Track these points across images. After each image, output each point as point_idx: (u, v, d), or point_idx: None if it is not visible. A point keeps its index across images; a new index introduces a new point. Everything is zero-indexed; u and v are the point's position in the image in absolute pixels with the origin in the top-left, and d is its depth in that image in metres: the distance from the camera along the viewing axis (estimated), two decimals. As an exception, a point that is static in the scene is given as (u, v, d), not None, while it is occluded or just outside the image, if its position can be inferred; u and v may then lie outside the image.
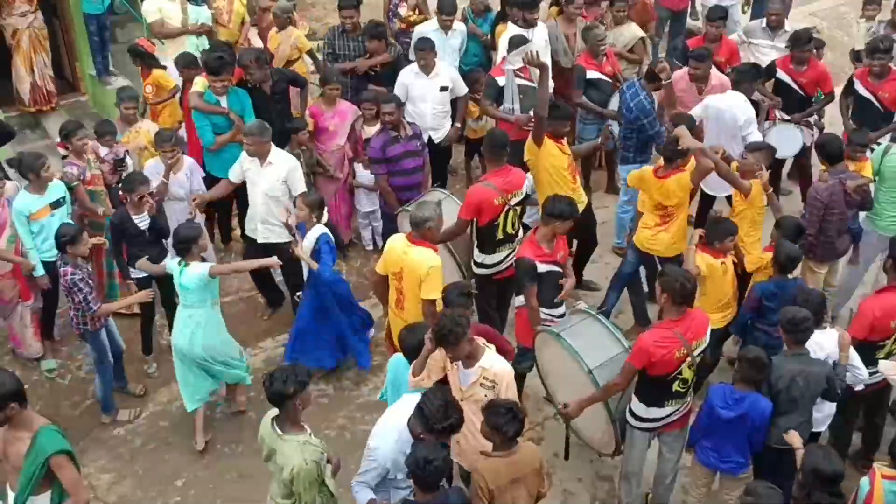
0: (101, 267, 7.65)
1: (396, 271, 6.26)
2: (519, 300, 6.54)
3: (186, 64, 8.48)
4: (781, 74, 8.72)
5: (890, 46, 8.34)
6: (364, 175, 8.48)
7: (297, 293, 7.38)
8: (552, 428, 6.89)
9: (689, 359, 5.44)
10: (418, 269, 6.08)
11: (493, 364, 5.26)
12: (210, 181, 7.94)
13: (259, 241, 7.51)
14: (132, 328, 7.49)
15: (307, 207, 6.84)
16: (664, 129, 7.92)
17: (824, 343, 5.70)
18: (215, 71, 7.88)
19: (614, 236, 8.66)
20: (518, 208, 6.86)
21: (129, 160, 7.85)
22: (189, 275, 6.33)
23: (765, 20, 9.42)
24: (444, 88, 8.57)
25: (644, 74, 8.41)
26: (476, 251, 6.94)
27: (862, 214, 7.41)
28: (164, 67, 8.89)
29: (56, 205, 7.05)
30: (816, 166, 7.68)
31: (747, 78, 8.18)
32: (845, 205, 7.06)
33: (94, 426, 7.01)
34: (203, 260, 6.56)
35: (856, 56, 9.38)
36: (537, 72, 7.41)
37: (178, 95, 8.71)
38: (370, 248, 8.87)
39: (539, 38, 8.75)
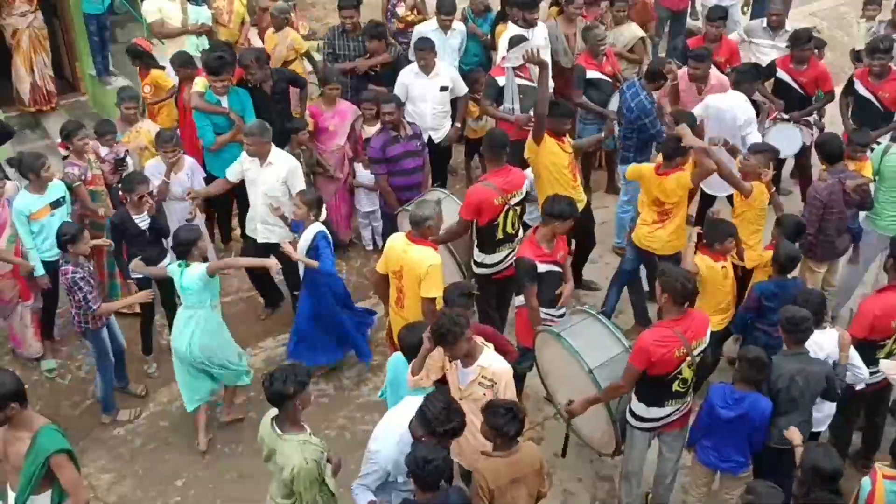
0: (102, 267, 7.65)
1: (396, 270, 6.27)
2: (519, 300, 6.55)
3: (182, 63, 8.49)
4: (781, 74, 8.73)
5: (890, 46, 8.34)
6: (364, 175, 8.48)
7: (296, 291, 7.39)
8: (552, 428, 6.89)
9: (688, 358, 5.44)
10: (418, 267, 6.09)
11: (492, 363, 5.26)
12: (211, 181, 7.93)
13: (259, 240, 7.52)
14: (132, 328, 7.49)
15: (305, 206, 6.84)
16: (664, 128, 7.92)
17: (824, 343, 5.70)
18: (215, 71, 7.88)
19: (614, 236, 8.66)
20: (518, 208, 6.87)
21: (129, 160, 7.85)
22: (189, 276, 6.33)
23: (765, 20, 9.42)
24: (444, 88, 8.57)
25: (644, 74, 8.41)
26: (476, 251, 6.94)
27: (862, 214, 7.41)
28: (163, 68, 8.89)
29: (56, 204, 7.05)
30: (817, 166, 7.68)
31: (748, 78, 8.18)
32: (844, 204, 7.06)
33: (94, 426, 7.01)
34: (204, 261, 6.57)
35: (856, 56, 9.38)
36: (537, 70, 7.41)
37: (174, 95, 8.71)
38: (370, 248, 8.88)
39: (539, 38, 8.75)
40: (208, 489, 6.53)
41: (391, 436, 4.92)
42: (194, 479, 6.60)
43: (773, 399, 5.43)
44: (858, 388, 5.89)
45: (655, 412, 5.64)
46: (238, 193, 7.84)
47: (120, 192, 7.25)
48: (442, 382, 5.47)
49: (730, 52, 9.15)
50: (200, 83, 8.04)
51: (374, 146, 7.87)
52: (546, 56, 8.12)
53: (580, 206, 7.12)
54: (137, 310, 7.30)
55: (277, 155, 7.36)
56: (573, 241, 7.94)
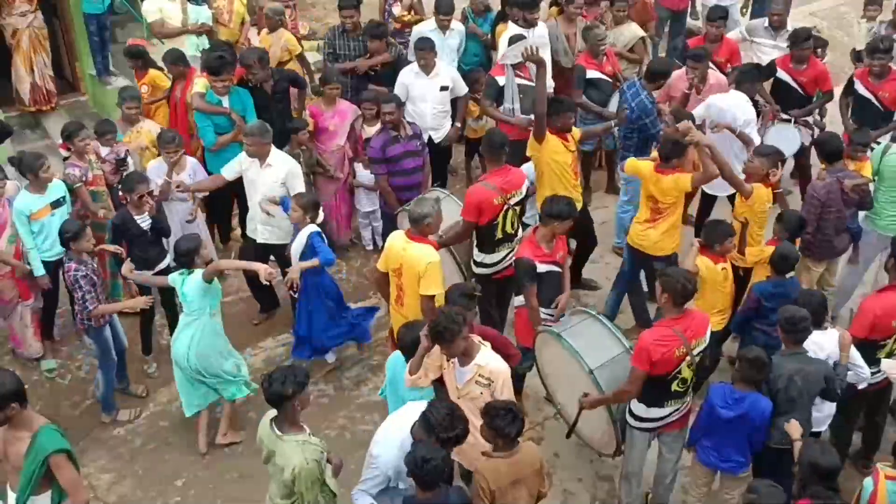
0: (104, 266, 7.64)
1: (396, 268, 6.29)
2: (519, 300, 6.55)
3: (174, 60, 8.50)
4: (781, 73, 8.73)
5: (890, 46, 8.35)
6: (364, 175, 8.48)
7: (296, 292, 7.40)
8: (552, 428, 6.89)
9: (688, 358, 5.44)
10: (417, 265, 6.11)
11: (489, 361, 5.27)
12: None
13: (259, 241, 7.53)
14: (132, 328, 7.49)
15: (301, 209, 6.84)
16: (663, 126, 7.91)
17: (825, 344, 5.69)
18: (216, 71, 7.88)
19: (614, 236, 8.66)
20: (517, 208, 6.87)
21: (130, 160, 7.84)
22: (189, 283, 6.35)
23: (767, 20, 9.42)
24: (444, 88, 8.57)
25: (644, 74, 8.41)
26: (475, 251, 6.94)
27: (861, 214, 7.41)
28: (162, 68, 8.89)
29: (56, 204, 7.05)
30: (816, 166, 7.68)
31: (749, 78, 8.18)
32: (843, 203, 7.06)
33: (94, 426, 7.01)
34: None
35: (856, 56, 9.39)
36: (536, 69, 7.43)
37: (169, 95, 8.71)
38: (370, 248, 8.87)
39: (539, 38, 8.75)
40: (208, 489, 6.53)
41: (392, 441, 4.90)
42: (194, 479, 6.60)
43: (772, 399, 5.43)
44: (860, 387, 5.89)
45: (655, 412, 5.64)
46: (238, 193, 7.84)
47: (120, 193, 7.25)
48: (440, 382, 5.48)
49: (730, 52, 9.15)
50: (201, 84, 8.04)
51: (374, 146, 7.87)
52: (545, 55, 8.12)
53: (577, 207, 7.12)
54: (138, 309, 7.30)
55: (277, 156, 7.36)
56: (574, 242, 7.95)
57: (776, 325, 5.66)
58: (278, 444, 4.86)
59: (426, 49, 8.43)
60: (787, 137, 8.44)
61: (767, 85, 8.83)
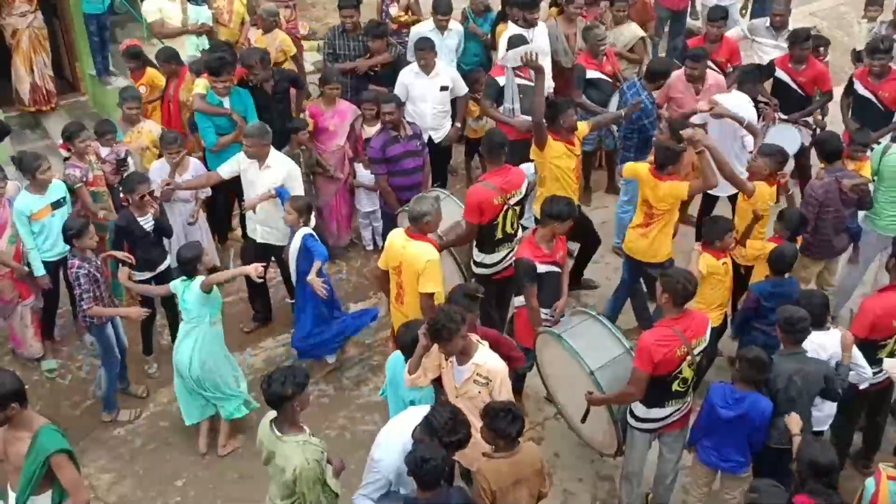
0: (106, 265, 7.63)
1: (396, 265, 6.30)
2: (519, 300, 6.55)
3: (166, 59, 8.51)
4: (780, 74, 8.73)
5: (890, 47, 8.34)
6: (364, 175, 8.48)
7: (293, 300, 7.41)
8: (553, 428, 6.89)
9: (689, 358, 5.44)
10: (416, 262, 6.11)
11: (487, 360, 5.28)
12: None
13: (258, 241, 7.53)
14: (133, 328, 7.49)
15: (295, 211, 6.84)
16: (657, 133, 7.90)
17: (827, 344, 5.69)
18: (216, 71, 7.87)
19: (614, 236, 8.66)
20: (517, 208, 6.87)
21: (130, 160, 7.84)
22: (190, 291, 6.36)
23: (768, 19, 9.41)
24: (444, 88, 8.57)
25: (644, 74, 8.41)
26: (475, 251, 6.94)
27: (861, 214, 7.41)
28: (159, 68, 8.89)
29: (57, 205, 7.05)
30: (816, 166, 7.67)
31: (751, 78, 8.19)
32: (842, 203, 7.06)
33: (94, 426, 7.01)
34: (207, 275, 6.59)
35: (857, 56, 9.38)
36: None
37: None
38: (370, 248, 8.87)
39: (539, 38, 8.75)
40: (208, 489, 6.53)
41: (394, 444, 4.89)
42: (194, 480, 6.60)
43: (771, 399, 5.43)
44: (861, 387, 5.89)
45: (656, 413, 5.64)
46: (238, 194, 7.83)
47: (121, 194, 7.24)
48: (440, 382, 5.48)
49: (730, 52, 9.15)
50: (202, 85, 8.03)
51: (374, 146, 7.87)
52: (544, 62, 8.12)
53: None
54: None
55: (276, 158, 7.35)
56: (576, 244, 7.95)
57: (775, 325, 5.67)
58: (278, 444, 4.86)
59: (426, 49, 8.42)
60: (788, 137, 8.42)
61: (767, 85, 8.83)
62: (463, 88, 8.75)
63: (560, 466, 6.58)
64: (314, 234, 6.92)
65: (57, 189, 7.09)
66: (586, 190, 9.14)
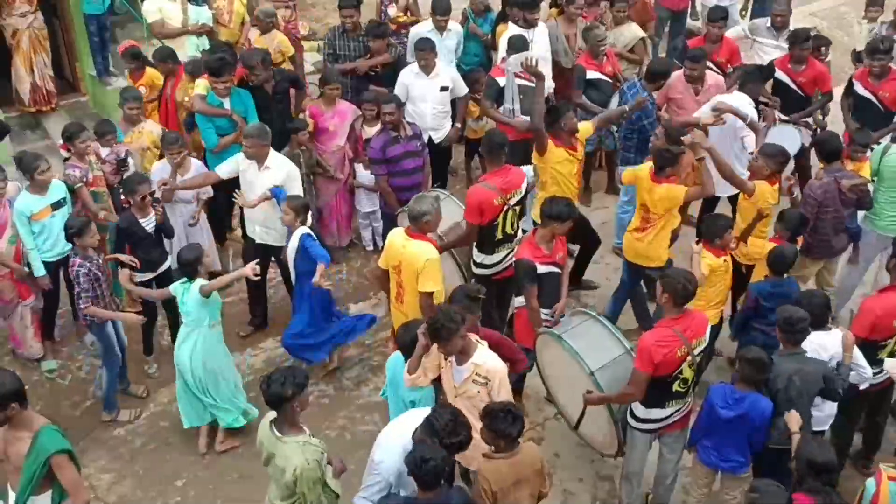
0: (106, 265, 7.64)
1: (396, 265, 6.31)
2: (518, 300, 6.55)
3: (163, 58, 8.52)
4: (780, 74, 8.72)
5: (890, 47, 8.34)
6: (364, 175, 8.47)
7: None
8: (553, 428, 6.89)
9: (689, 358, 5.44)
10: (416, 262, 6.12)
11: (486, 360, 5.28)
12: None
13: (257, 241, 7.53)
14: (133, 328, 7.49)
15: (293, 211, 6.83)
16: (653, 139, 7.90)
17: (828, 344, 5.69)
18: (217, 72, 7.88)
19: (614, 237, 8.66)
20: (517, 208, 6.87)
21: (130, 160, 7.83)
22: (189, 294, 6.37)
23: (769, 20, 9.41)
24: (444, 88, 8.57)
25: (644, 75, 8.41)
26: (475, 251, 6.94)
27: (861, 214, 7.40)
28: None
29: (57, 205, 7.05)
30: (816, 166, 7.67)
31: (753, 79, 8.19)
32: (841, 203, 7.06)
33: (94, 426, 7.01)
34: (211, 277, 6.58)
35: (856, 57, 9.38)
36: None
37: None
38: (370, 248, 8.87)
39: (539, 39, 8.75)
40: (208, 489, 6.53)
41: (394, 446, 4.88)
42: (194, 480, 6.60)
43: (771, 399, 5.43)
44: (862, 387, 5.89)
45: (656, 413, 5.64)
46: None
47: (122, 196, 7.23)
48: (440, 382, 5.48)
49: (730, 53, 9.15)
50: (202, 86, 8.04)
51: (374, 147, 7.87)
52: (544, 68, 8.13)
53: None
54: (139, 308, 7.30)
55: (275, 159, 7.34)
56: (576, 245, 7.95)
57: (774, 326, 5.67)
58: (278, 445, 4.86)
59: (427, 49, 8.42)
60: (788, 138, 8.42)
61: (767, 86, 8.83)
62: (463, 89, 8.75)
63: (560, 466, 6.58)
64: (312, 233, 6.92)
65: (57, 189, 7.09)
66: (586, 190, 9.14)
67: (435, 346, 5.21)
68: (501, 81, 8.28)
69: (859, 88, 8.46)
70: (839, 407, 5.82)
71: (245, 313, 7.99)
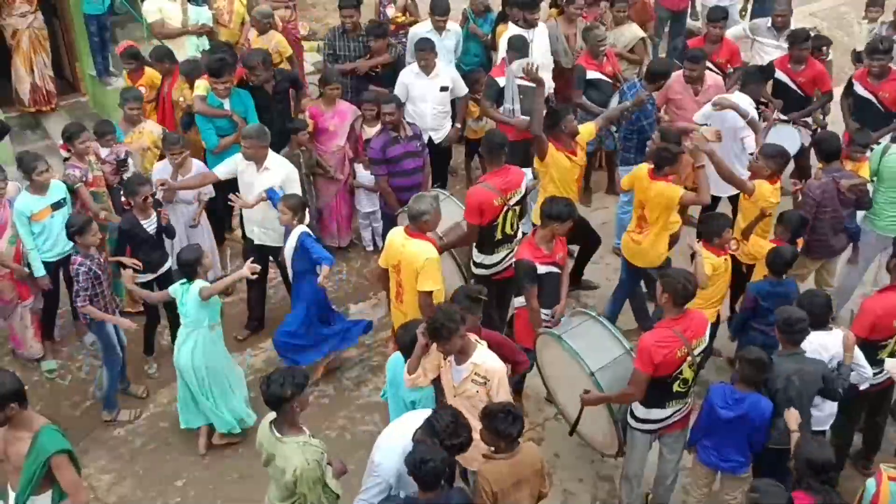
0: (107, 264, 7.64)
1: (395, 264, 6.32)
2: (518, 300, 6.55)
3: (159, 57, 8.52)
4: (780, 74, 8.73)
5: (889, 47, 8.34)
6: (364, 176, 8.47)
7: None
8: (553, 428, 6.89)
9: (689, 358, 5.44)
10: (415, 261, 6.13)
11: (485, 360, 5.28)
12: (217, 185, 7.87)
13: (256, 242, 7.52)
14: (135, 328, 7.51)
15: (290, 210, 6.80)
16: (649, 143, 7.90)
17: (829, 344, 5.69)
18: (217, 73, 7.88)
19: (614, 237, 8.66)
20: (517, 208, 6.87)
21: (130, 161, 7.83)
22: (189, 295, 6.37)
23: (770, 20, 9.41)
24: (444, 88, 8.57)
25: (644, 75, 8.41)
26: (475, 252, 6.94)
27: (861, 214, 7.40)
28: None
29: (57, 206, 7.05)
30: (816, 166, 7.68)
31: (755, 79, 8.19)
32: (839, 203, 7.06)
33: (94, 426, 7.01)
34: (207, 278, 6.58)
35: (856, 57, 9.38)
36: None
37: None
38: (370, 248, 8.87)
39: (539, 39, 8.75)
40: (208, 490, 6.53)
41: (394, 447, 4.88)
42: (194, 480, 6.60)
43: (770, 399, 5.43)
44: (862, 388, 5.89)
45: (656, 413, 5.64)
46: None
47: (123, 198, 7.23)
48: (440, 382, 5.48)
49: (730, 53, 9.15)
50: (202, 86, 8.03)
51: (374, 147, 7.87)
52: (545, 75, 8.13)
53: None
54: (140, 308, 7.30)
55: (274, 160, 7.34)
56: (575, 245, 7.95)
57: (773, 326, 5.67)
58: (278, 446, 4.85)
59: (427, 49, 8.42)
60: (787, 138, 8.43)
61: (767, 86, 8.83)
62: (463, 89, 8.76)
63: (560, 466, 6.58)
64: (310, 232, 6.91)
65: (57, 190, 7.09)
66: (586, 191, 9.14)
67: (435, 345, 5.21)
68: (501, 81, 8.28)
69: (859, 89, 8.46)
70: (839, 407, 5.82)
71: (245, 313, 7.98)
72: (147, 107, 8.73)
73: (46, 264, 7.09)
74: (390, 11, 9.93)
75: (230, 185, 7.64)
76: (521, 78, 8.18)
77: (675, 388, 5.52)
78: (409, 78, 8.52)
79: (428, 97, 8.52)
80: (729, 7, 10.36)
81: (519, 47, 8.19)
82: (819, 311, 5.71)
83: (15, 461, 4.85)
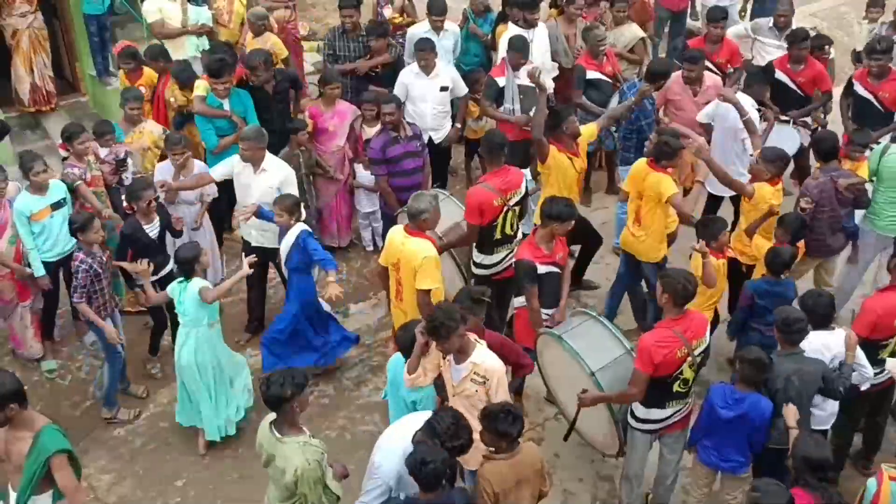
0: (109, 264, 7.63)
1: (394, 262, 6.33)
2: (519, 301, 6.55)
3: (154, 56, 8.53)
4: (779, 74, 8.72)
5: (888, 47, 8.34)
6: (364, 176, 8.48)
7: None
8: (552, 428, 6.89)
9: (689, 358, 5.45)
10: (413, 259, 6.14)
11: (485, 359, 5.28)
12: (218, 186, 7.85)
13: (253, 244, 7.51)
14: (133, 327, 7.49)
15: (286, 212, 6.75)
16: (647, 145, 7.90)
17: (831, 344, 5.69)
18: (216, 73, 7.87)
19: (614, 236, 8.66)
20: (516, 208, 6.87)
21: (129, 161, 7.83)
22: (187, 293, 6.37)
23: (771, 20, 9.41)
24: (444, 88, 8.57)
25: (644, 75, 8.41)
26: (475, 252, 6.95)
27: (860, 214, 7.40)
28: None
29: (57, 206, 7.05)
30: (815, 167, 7.68)
31: (758, 80, 8.19)
32: (838, 203, 7.06)
33: (94, 426, 7.01)
34: (206, 276, 6.58)
35: (856, 57, 9.38)
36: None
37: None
38: (370, 248, 8.87)
39: (539, 39, 8.75)
40: (208, 490, 6.53)
41: (395, 449, 4.88)
42: (194, 480, 6.60)
43: (770, 399, 5.43)
44: (863, 388, 5.89)
45: (656, 413, 5.64)
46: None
47: (125, 202, 7.22)
48: (441, 382, 5.48)
49: (730, 53, 9.16)
50: (202, 86, 8.03)
51: (374, 147, 7.87)
52: (548, 81, 8.12)
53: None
54: (140, 308, 7.29)
55: (272, 162, 7.32)
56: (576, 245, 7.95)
57: (772, 326, 5.67)
58: (278, 446, 4.85)
59: (427, 50, 8.42)
60: (786, 138, 8.44)
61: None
62: (463, 89, 8.76)
63: (560, 466, 6.58)
64: (310, 230, 6.90)
65: (57, 190, 7.09)
66: (586, 190, 9.13)
67: (434, 345, 5.21)
68: (501, 81, 8.28)
69: (859, 89, 8.46)
70: (840, 407, 5.83)
71: (245, 313, 7.98)
72: (146, 106, 8.74)
73: (46, 264, 7.08)
74: (387, 12, 9.93)
75: (230, 186, 7.63)
76: (519, 76, 8.21)
77: (676, 388, 5.52)
78: (409, 78, 8.52)
79: (428, 97, 8.52)
80: (729, 7, 10.36)
81: (519, 47, 8.20)
82: (823, 310, 5.72)
83: (16, 461, 4.86)
